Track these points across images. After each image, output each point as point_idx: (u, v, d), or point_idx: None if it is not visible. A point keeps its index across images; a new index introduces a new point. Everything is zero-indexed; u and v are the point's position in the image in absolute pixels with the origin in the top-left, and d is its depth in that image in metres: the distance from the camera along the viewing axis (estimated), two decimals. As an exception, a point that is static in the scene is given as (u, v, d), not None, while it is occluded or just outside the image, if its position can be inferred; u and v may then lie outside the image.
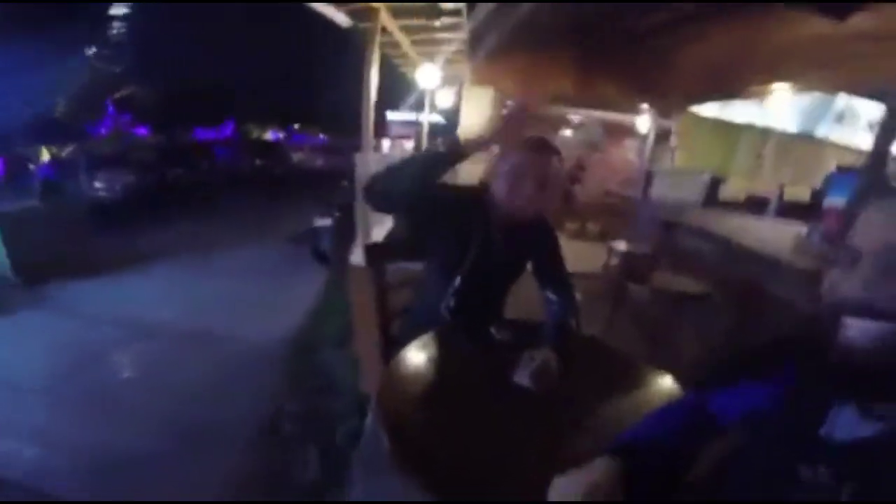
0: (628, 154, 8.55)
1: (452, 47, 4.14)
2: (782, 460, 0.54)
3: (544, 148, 1.23)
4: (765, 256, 2.60)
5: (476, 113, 5.24)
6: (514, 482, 0.71)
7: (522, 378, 0.96)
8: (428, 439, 0.78)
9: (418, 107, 5.82)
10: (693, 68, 4.09)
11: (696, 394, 0.76)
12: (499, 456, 0.76)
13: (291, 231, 6.23)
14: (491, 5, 3.28)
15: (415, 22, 3.59)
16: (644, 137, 5.91)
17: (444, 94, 5.61)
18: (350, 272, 2.37)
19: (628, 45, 4.16)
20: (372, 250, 1.45)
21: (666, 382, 1.00)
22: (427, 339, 1.10)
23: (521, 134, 1.15)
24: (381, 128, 13.04)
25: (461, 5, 3.19)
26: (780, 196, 4.92)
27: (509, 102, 7.48)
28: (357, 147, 3.19)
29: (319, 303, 3.55)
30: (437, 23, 3.56)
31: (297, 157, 16.65)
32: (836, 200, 3.04)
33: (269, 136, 23.41)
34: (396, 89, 5.50)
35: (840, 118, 5.37)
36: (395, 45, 4.06)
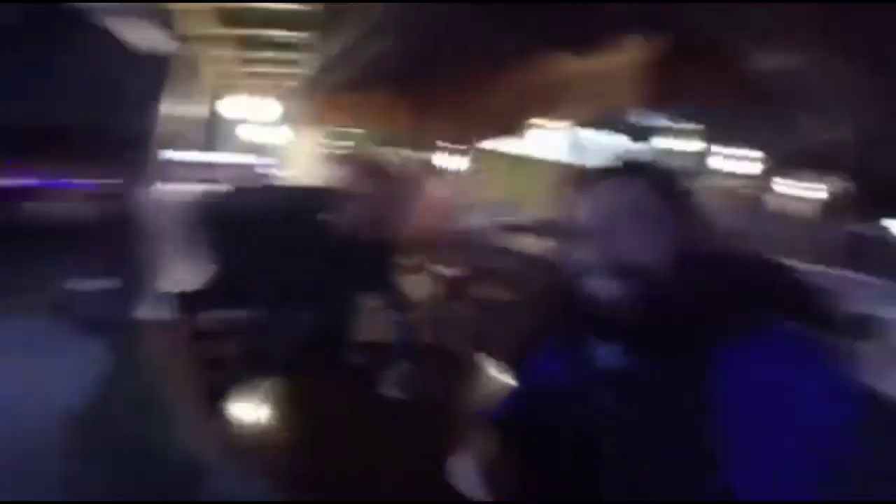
0: (445, 190, 9.56)
1: (285, 83, 3.99)
2: (575, 392, 0.68)
3: (384, 172, 1.32)
4: (548, 260, 3.30)
5: (304, 151, 5.13)
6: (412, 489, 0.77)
7: (391, 390, 1.03)
8: (315, 472, 0.79)
9: (231, 145, 5.34)
10: (492, 108, 4.90)
11: (519, 368, 0.94)
12: (389, 469, 0.82)
13: (58, 293, 4.83)
14: (342, 44, 3.28)
15: (250, 54, 3.38)
16: (457, 173, 6.72)
17: (263, 130, 5.28)
18: (150, 329, 2.07)
19: (443, 85, 4.75)
20: (185, 299, 1.30)
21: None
22: (279, 378, 1.07)
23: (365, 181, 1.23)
24: (176, 169, 11.36)
25: (307, 41, 3.15)
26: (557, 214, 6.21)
27: (341, 143, 7.57)
28: (141, 191, 2.78)
29: (114, 368, 2.88)
30: (274, 55, 3.42)
31: (64, 206, 13.01)
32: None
33: (26, 180, 17.66)
34: (203, 125, 4.98)
35: (586, 147, 6.94)
36: (214, 76, 3.72)
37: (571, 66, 3.31)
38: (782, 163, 5.68)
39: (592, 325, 0.66)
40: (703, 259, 0.59)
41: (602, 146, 5.98)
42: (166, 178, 2.69)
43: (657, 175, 0.65)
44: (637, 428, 0.61)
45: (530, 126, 4.68)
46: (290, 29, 3.03)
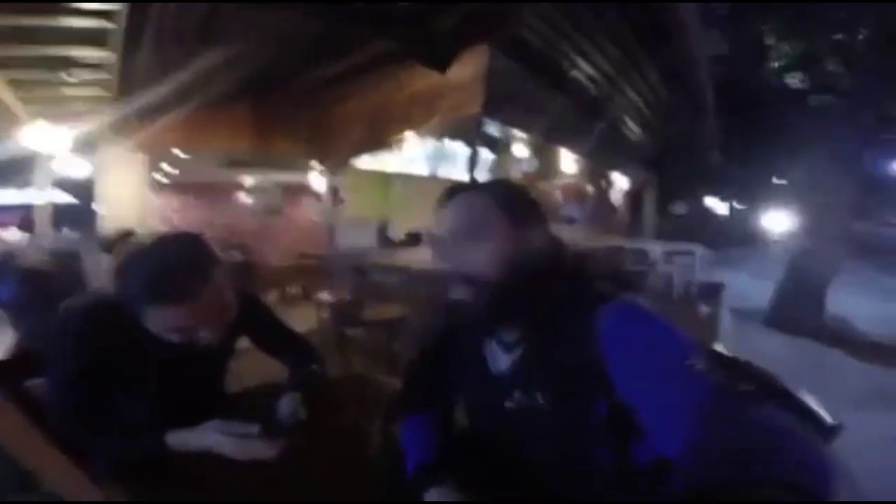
0: (309, 213, 9.06)
1: (86, 106, 3.27)
2: (489, 397, 0.75)
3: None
4: (428, 272, 3.45)
5: (122, 185, 4.22)
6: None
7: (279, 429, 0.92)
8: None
9: (25, 182, 4.23)
10: (347, 125, 4.76)
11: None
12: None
13: None
14: (151, 57, 2.74)
15: (30, 76, 2.71)
16: (319, 195, 6.41)
17: (70, 163, 4.27)
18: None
19: (294, 103, 4.44)
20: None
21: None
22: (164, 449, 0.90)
23: None
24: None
25: (108, 56, 2.62)
26: (428, 229, 6.42)
27: (167, 168, 6.55)
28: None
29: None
30: (69, 77, 2.78)
31: None
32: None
33: None
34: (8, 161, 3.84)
35: (449, 159, 6.94)
36: (19, 103, 2.93)
37: (424, 79, 3.41)
38: (604, 161, 6.87)
39: (478, 326, 0.74)
40: (550, 257, 0.71)
41: (462, 156, 6.36)
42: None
43: (501, 191, 0.74)
44: (540, 411, 0.68)
45: (390, 141, 4.71)
46: (99, 46, 2.57)
